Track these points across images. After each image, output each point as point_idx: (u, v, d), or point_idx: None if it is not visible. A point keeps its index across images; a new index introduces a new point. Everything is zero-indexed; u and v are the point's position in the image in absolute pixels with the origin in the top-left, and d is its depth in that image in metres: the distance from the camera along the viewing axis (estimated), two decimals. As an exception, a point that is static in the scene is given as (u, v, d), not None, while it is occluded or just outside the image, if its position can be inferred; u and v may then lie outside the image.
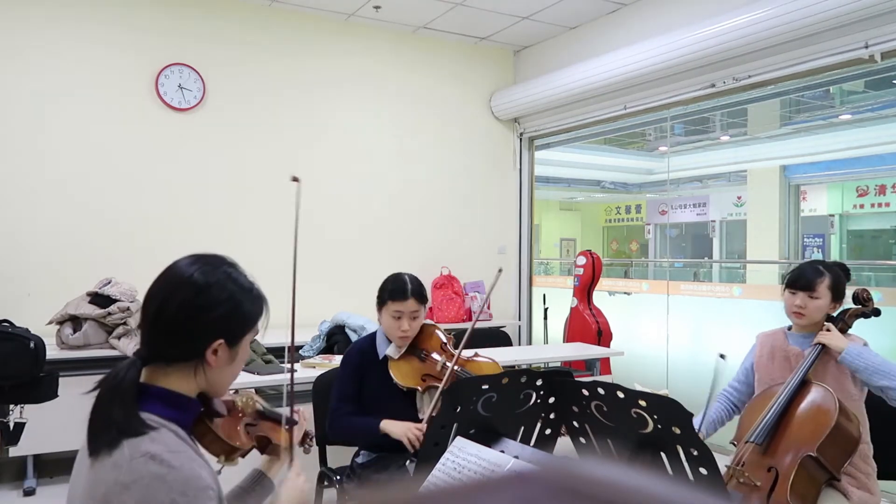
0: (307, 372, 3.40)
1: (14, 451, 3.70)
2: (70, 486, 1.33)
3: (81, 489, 1.25)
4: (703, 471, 1.62)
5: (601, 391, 1.74)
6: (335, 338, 4.39)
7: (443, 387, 2.50)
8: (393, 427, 2.50)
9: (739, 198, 9.29)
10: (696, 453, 1.62)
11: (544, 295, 6.33)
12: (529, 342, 6.36)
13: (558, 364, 4.72)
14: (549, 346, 5.83)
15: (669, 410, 1.64)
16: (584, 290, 5.55)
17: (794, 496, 2.12)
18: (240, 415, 1.52)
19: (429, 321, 2.79)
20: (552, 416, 1.92)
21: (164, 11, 4.96)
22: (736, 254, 9.62)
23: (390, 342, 2.69)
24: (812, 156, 8.13)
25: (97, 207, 4.74)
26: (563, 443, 1.94)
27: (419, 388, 2.61)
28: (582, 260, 5.62)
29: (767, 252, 8.05)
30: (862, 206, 8.39)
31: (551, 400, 1.90)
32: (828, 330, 2.43)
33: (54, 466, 4.05)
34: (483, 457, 1.48)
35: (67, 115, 4.67)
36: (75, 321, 4.04)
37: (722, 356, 2.21)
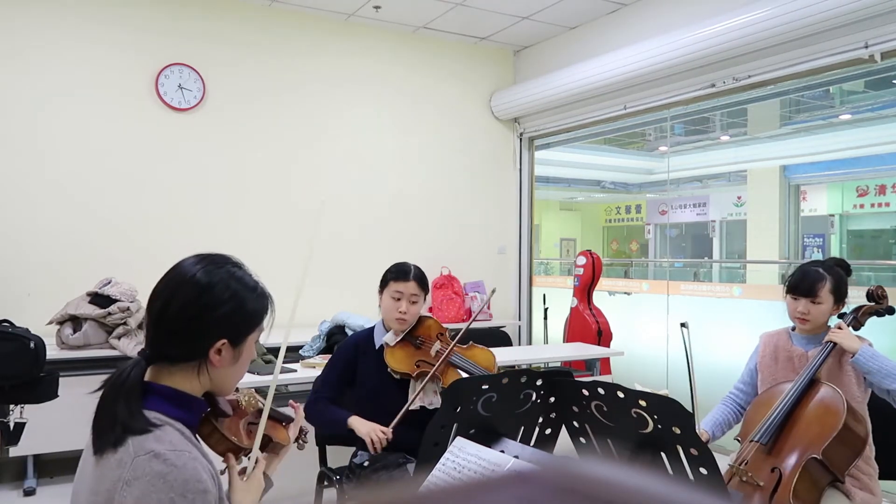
0: (307, 372, 3.41)
1: (14, 451, 3.70)
2: (75, 483, 1.33)
3: (86, 486, 1.26)
4: (703, 471, 1.62)
5: (601, 391, 1.74)
6: (335, 338, 4.39)
7: (433, 371, 2.53)
8: (360, 425, 2.53)
9: (739, 198, 9.29)
10: (696, 453, 1.62)
11: (544, 295, 6.33)
12: (529, 342, 6.36)
13: (558, 364, 4.73)
14: (549, 346, 5.83)
15: (669, 410, 1.64)
16: (584, 290, 5.55)
17: (796, 498, 2.09)
18: (243, 414, 1.52)
19: (428, 314, 2.81)
20: (552, 415, 1.92)
21: (163, 11, 4.96)
22: (736, 254, 9.61)
23: (388, 331, 2.72)
24: (812, 156, 8.12)
25: (97, 207, 4.74)
26: (563, 443, 1.94)
27: (412, 374, 2.63)
28: (582, 260, 5.62)
29: (767, 252, 8.04)
30: (862, 206, 8.38)
31: (551, 400, 1.90)
32: (839, 328, 2.36)
33: (54, 466, 4.05)
34: (483, 457, 1.48)
35: (67, 115, 4.67)
36: (75, 321, 4.04)
37: (683, 325, 2.23)
